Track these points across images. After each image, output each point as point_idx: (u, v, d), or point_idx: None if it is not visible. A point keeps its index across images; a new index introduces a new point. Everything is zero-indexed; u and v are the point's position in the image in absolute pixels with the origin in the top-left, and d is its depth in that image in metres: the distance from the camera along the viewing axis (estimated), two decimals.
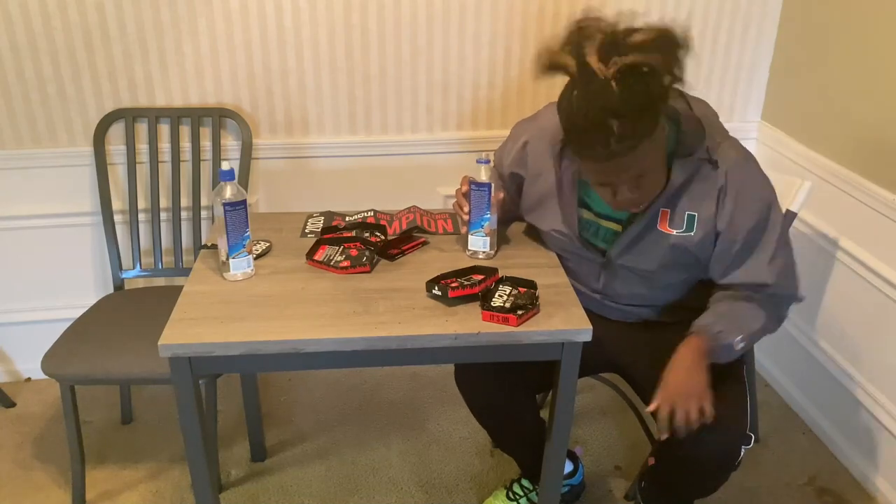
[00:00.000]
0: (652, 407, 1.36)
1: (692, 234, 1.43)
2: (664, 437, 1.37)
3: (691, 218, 1.42)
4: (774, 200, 1.43)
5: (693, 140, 1.38)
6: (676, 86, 1.25)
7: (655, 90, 1.22)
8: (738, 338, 1.41)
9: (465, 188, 1.53)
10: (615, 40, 1.20)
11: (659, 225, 1.44)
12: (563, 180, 1.51)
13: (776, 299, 1.47)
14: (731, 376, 1.49)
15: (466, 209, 1.53)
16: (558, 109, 1.29)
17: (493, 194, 1.49)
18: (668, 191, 1.40)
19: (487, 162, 1.49)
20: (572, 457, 1.91)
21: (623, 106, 1.19)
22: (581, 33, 1.23)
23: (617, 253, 1.51)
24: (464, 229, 1.57)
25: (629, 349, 1.61)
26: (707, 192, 1.39)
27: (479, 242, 1.56)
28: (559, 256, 1.62)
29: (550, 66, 1.26)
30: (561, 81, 1.29)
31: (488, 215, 1.52)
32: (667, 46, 1.21)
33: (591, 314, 1.44)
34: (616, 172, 1.31)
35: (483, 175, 1.48)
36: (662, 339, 1.49)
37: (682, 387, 1.36)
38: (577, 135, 1.27)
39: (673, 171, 1.38)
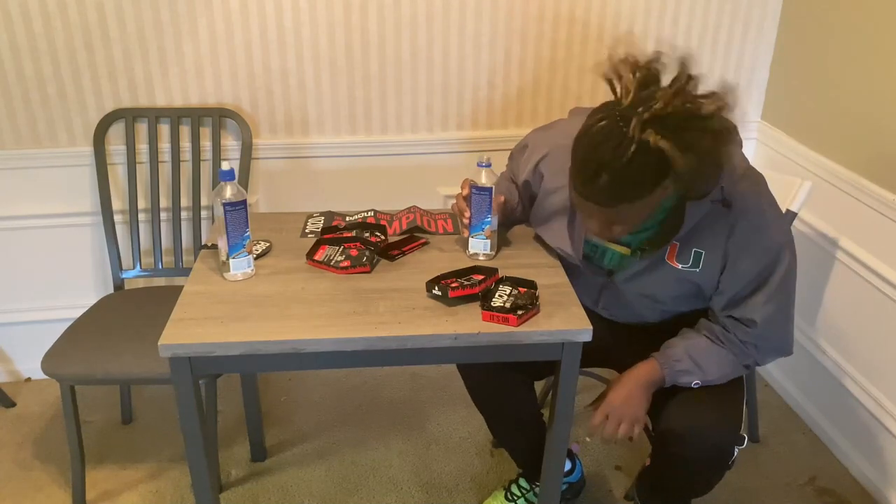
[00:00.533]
0: (594, 417, 1.47)
1: (697, 270, 1.42)
2: (590, 439, 1.45)
3: (698, 255, 1.41)
4: (785, 245, 1.39)
5: (708, 181, 1.30)
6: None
7: (661, 175, 1.20)
8: (696, 381, 1.45)
9: (465, 192, 1.53)
10: (672, 113, 1.16)
11: (667, 257, 1.43)
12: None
13: (760, 345, 1.45)
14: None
15: (467, 214, 1.53)
16: (587, 118, 1.26)
17: (493, 197, 1.49)
18: (679, 233, 1.38)
19: (488, 165, 1.48)
20: (569, 454, 1.91)
21: (621, 171, 1.18)
22: (648, 79, 1.20)
23: (622, 279, 1.52)
24: (465, 232, 1.58)
25: (624, 346, 1.62)
26: (717, 232, 1.38)
27: (479, 245, 1.56)
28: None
29: (607, 80, 1.24)
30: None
31: (489, 218, 1.52)
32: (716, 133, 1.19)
33: (588, 312, 1.44)
34: (587, 212, 1.32)
35: (483, 178, 1.48)
36: (654, 340, 1.52)
37: (621, 406, 1.44)
38: (574, 155, 1.26)
39: (686, 213, 1.36)
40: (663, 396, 1.48)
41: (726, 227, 1.36)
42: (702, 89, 1.21)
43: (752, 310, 1.41)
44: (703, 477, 1.53)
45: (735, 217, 1.35)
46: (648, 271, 1.47)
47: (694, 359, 1.45)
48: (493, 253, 1.58)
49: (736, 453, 1.44)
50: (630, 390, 1.45)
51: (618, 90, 1.22)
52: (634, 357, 1.53)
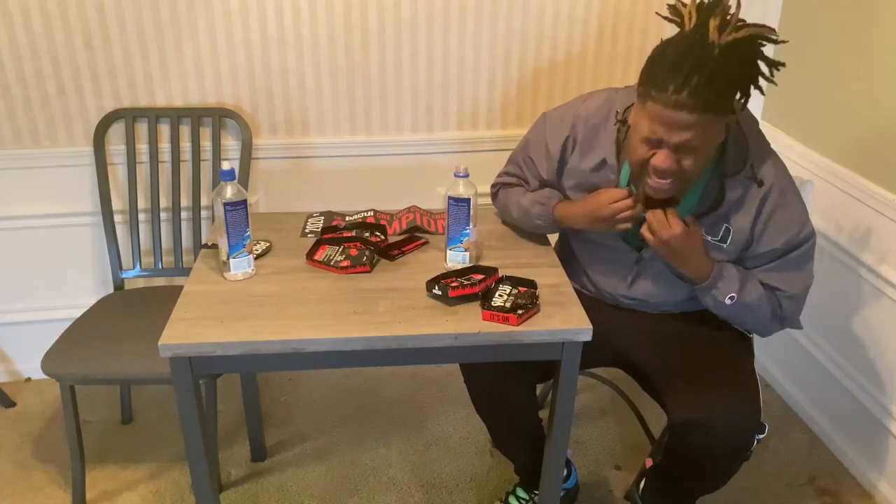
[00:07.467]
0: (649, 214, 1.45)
1: (725, 245, 1.49)
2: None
3: (727, 231, 1.48)
4: (807, 222, 1.48)
5: (737, 154, 1.43)
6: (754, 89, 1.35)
7: (744, 79, 1.32)
8: (732, 293, 1.47)
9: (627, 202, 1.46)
10: (736, 20, 1.29)
11: None
12: (619, 159, 1.52)
13: (785, 306, 1.52)
14: (742, 370, 1.52)
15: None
16: (652, 52, 1.33)
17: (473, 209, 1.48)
18: (721, 209, 1.45)
19: (466, 176, 1.47)
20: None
21: (712, 73, 1.25)
22: (707, 4, 1.31)
23: (652, 252, 1.52)
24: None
25: (636, 337, 1.63)
26: (746, 209, 1.45)
27: (458, 257, 1.54)
28: (587, 259, 1.63)
29: (672, 11, 1.35)
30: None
31: (468, 230, 1.50)
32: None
33: (602, 304, 1.47)
34: (670, 126, 1.30)
35: (462, 189, 1.47)
36: (669, 330, 1.55)
37: (673, 237, 1.43)
38: (659, 68, 1.29)
39: (727, 188, 1.44)
40: (678, 385, 1.48)
41: (754, 207, 1.44)
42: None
43: (788, 283, 1.49)
44: (722, 468, 1.50)
45: (763, 195, 1.44)
46: None
47: (735, 279, 1.48)
48: (473, 265, 1.55)
49: (756, 442, 1.44)
50: (687, 238, 1.44)
51: (682, 20, 1.32)
52: (645, 345, 1.55)
